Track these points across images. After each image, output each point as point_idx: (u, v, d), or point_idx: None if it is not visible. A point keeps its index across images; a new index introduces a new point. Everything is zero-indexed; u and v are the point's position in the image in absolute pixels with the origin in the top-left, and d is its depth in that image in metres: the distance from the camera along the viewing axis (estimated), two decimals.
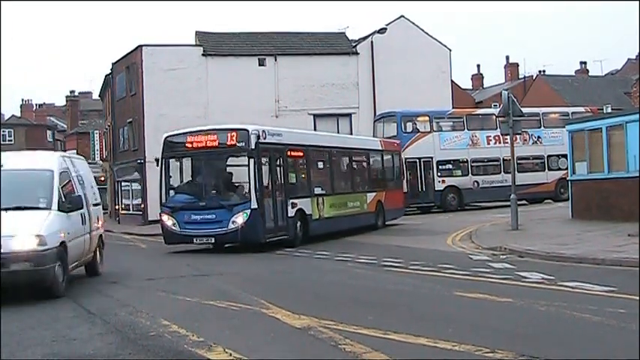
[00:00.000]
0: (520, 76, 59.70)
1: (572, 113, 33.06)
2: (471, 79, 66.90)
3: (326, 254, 15.49)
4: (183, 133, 17.87)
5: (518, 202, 30.24)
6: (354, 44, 38.69)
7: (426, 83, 37.28)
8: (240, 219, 16.32)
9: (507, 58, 63.43)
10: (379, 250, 15.66)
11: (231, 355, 6.05)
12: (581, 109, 35.12)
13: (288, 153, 18.26)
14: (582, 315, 7.48)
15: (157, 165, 18.39)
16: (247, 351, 6.16)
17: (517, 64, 62.36)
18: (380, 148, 24.85)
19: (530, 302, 8.34)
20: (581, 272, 11.05)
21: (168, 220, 17.15)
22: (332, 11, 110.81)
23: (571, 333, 6.80)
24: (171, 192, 17.70)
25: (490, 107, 40.02)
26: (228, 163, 17.96)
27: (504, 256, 13.78)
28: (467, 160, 31.37)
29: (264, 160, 16.92)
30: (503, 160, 31.38)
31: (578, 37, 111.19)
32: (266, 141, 16.98)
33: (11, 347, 6.63)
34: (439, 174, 30.82)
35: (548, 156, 32.61)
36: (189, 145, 17.34)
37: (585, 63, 60.87)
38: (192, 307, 8.80)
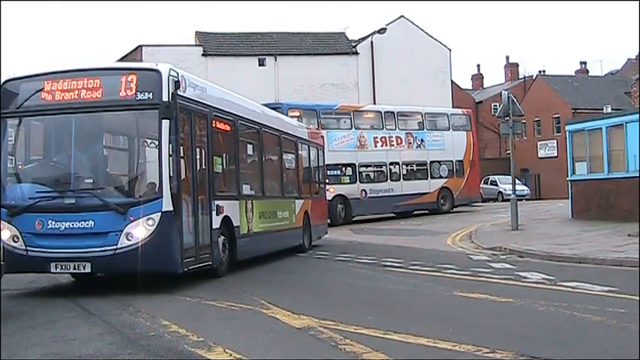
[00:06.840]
0: (520, 76, 59.89)
1: (450, 115, 30.92)
2: (471, 79, 67.18)
3: (326, 254, 15.50)
4: (38, 75, 10.48)
5: (397, 214, 27.35)
6: (354, 44, 38.83)
7: (426, 83, 37.44)
8: (140, 230, 9.61)
9: (507, 58, 63.92)
10: (379, 251, 15.67)
11: (231, 355, 6.04)
12: (459, 110, 32.89)
13: (214, 123, 11.66)
14: (582, 315, 7.48)
15: None
16: (247, 351, 6.15)
17: (517, 64, 62.76)
18: (307, 138, 18.23)
19: (530, 302, 8.34)
20: (581, 272, 11.06)
21: (2, 231, 9.69)
22: (332, 11, 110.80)
23: (571, 333, 6.80)
24: (10, 180, 10.43)
25: (490, 107, 39.92)
26: (119, 130, 11.17)
27: (504, 256, 13.79)
28: (355, 165, 26.64)
29: (182, 127, 10.31)
30: (390, 165, 27.80)
31: (578, 37, 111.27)
32: (186, 95, 10.43)
33: (11, 347, 6.62)
34: (328, 180, 24.45)
35: (431, 162, 29.07)
36: (48, 97, 10.20)
37: (585, 63, 61.18)
38: (192, 307, 8.78)
